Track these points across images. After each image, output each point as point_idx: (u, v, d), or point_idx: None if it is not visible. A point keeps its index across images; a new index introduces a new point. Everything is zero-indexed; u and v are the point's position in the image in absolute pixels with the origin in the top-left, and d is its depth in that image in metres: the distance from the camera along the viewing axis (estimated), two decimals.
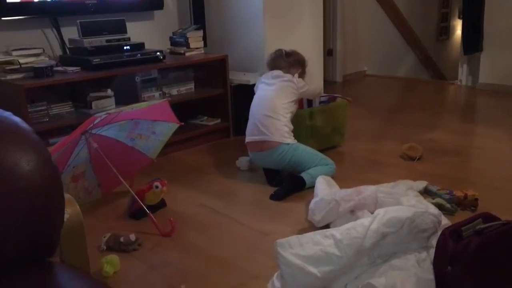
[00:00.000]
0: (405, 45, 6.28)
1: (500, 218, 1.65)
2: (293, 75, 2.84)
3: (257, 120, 2.70)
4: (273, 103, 2.72)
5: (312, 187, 2.40)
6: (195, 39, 3.48)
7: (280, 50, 2.97)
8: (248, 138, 2.75)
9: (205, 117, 3.56)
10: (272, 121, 2.66)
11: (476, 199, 2.26)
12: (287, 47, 3.62)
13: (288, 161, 2.62)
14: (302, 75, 2.94)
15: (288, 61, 2.90)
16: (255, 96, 2.87)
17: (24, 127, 1.12)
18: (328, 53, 5.35)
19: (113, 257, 1.88)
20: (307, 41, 3.81)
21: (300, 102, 3.00)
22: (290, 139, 2.66)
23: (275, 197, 2.50)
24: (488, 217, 1.66)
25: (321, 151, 2.77)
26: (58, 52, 3.13)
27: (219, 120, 3.52)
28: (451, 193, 2.31)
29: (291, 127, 2.72)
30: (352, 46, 5.52)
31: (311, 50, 3.86)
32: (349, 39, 5.49)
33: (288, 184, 2.55)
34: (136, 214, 2.29)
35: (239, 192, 2.64)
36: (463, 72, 5.04)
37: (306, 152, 2.65)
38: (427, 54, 6.56)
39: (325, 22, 4.78)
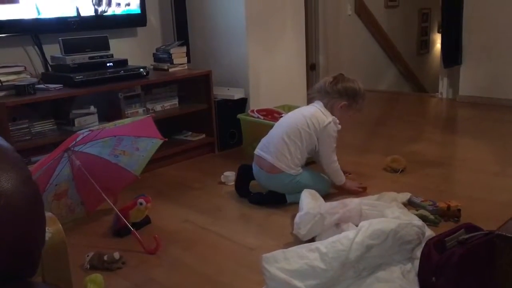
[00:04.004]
0: (387, 59, 6.38)
1: (482, 228, 1.67)
2: (333, 107, 2.55)
3: (271, 138, 2.58)
4: (294, 127, 2.51)
5: (296, 202, 2.41)
6: (179, 55, 3.49)
7: (332, 77, 2.61)
8: (256, 150, 2.63)
9: (190, 133, 3.56)
10: (283, 146, 2.49)
11: (459, 210, 2.28)
12: (270, 62, 3.70)
13: (282, 190, 2.56)
14: (346, 111, 2.57)
15: (332, 90, 2.55)
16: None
17: (4, 145, 1.11)
18: (311, 67, 5.41)
19: (97, 276, 1.85)
20: (290, 56, 3.85)
21: None
22: (294, 170, 2.50)
23: (253, 200, 2.57)
24: (470, 227, 1.68)
25: (306, 164, 2.78)
26: (40, 69, 3.11)
27: (203, 136, 3.52)
28: (434, 204, 2.33)
29: (305, 156, 2.55)
30: (334, 60, 5.58)
31: (294, 64, 3.90)
32: (331, 53, 5.56)
33: (270, 196, 2.57)
34: (120, 231, 2.27)
35: (225, 208, 2.63)
36: (443, 85, 5.13)
37: (305, 185, 2.46)
38: (408, 67, 6.67)
39: (308, 37, 4.83)
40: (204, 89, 3.45)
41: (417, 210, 2.31)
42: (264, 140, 2.63)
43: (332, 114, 2.56)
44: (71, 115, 2.89)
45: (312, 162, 2.82)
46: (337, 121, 2.55)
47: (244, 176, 2.69)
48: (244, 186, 2.69)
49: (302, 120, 2.53)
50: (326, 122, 2.51)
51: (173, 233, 2.31)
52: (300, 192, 2.42)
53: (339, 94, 2.56)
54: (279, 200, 2.56)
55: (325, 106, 2.59)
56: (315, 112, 2.56)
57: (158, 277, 1.94)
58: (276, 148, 2.52)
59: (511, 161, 3.11)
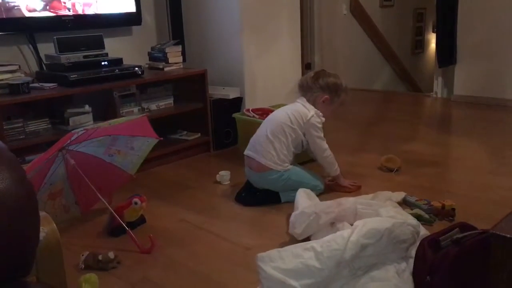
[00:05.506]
0: (382, 58, 6.39)
1: (477, 227, 1.67)
2: (315, 101, 2.60)
3: (257, 137, 2.62)
4: (277, 124, 2.56)
5: (291, 201, 2.41)
6: (174, 54, 3.48)
7: (314, 72, 2.69)
8: (245, 151, 2.66)
9: (185, 132, 3.55)
10: (268, 143, 2.53)
11: (454, 209, 2.29)
12: (265, 61, 3.70)
13: (274, 188, 2.58)
14: (329, 105, 2.63)
15: (314, 85, 2.61)
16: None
17: None
18: (307, 66, 5.41)
19: (92, 276, 1.84)
20: (286, 55, 3.85)
21: None
22: (281, 166, 2.53)
23: (247, 201, 2.57)
24: (465, 226, 1.68)
25: (301, 164, 2.78)
26: (35, 68, 3.09)
27: (199, 135, 3.52)
28: (429, 203, 2.34)
29: (291, 152, 2.57)
30: (329, 60, 5.59)
31: (289, 64, 3.91)
32: (326, 53, 5.57)
33: (263, 196, 2.57)
34: (115, 231, 2.26)
35: (220, 207, 2.63)
36: (438, 85, 5.14)
37: (297, 182, 2.52)
38: (403, 67, 6.69)
39: (303, 36, 4.84)
40: (199, 88, 3.44)
41: (411, 209, 2.31)
42: (251, 140, 2.66)
43: (315, 108, 2.61)
44: (66, 114, 2.88)
45: (309, 160, 2.82)
46: (320, 113, 2.60)
47: (251, 187, 2.66)
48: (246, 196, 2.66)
49: (285, 117, 2.58)
50: (309, 115, 2.57)
51: (168, 232, 2.31)
52: (293, 189, 2.43)
53: (321, 89, 2.62)
54: (272, 199, 2.56)
55: (308, 101, 2.64)
56: (298, 108, 2.61)
57: (153, 276, 1.94)
58: (262, 146, 2.56)
59: (505, 160, 3.12)
